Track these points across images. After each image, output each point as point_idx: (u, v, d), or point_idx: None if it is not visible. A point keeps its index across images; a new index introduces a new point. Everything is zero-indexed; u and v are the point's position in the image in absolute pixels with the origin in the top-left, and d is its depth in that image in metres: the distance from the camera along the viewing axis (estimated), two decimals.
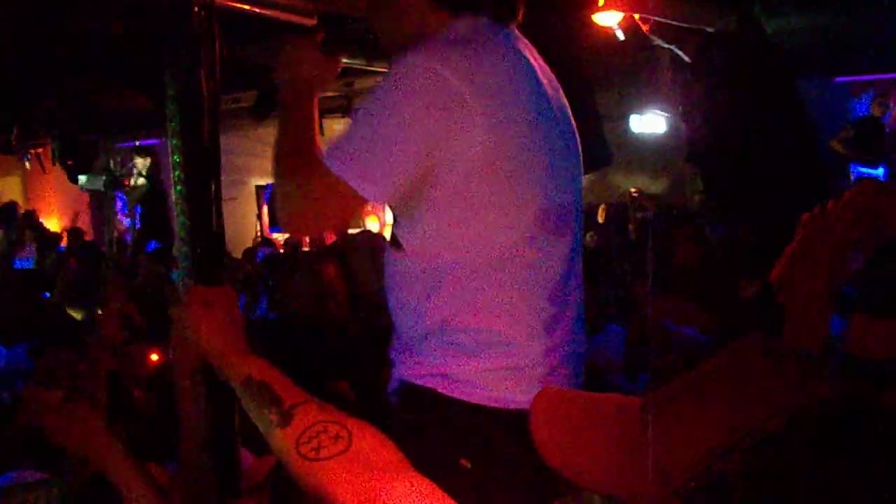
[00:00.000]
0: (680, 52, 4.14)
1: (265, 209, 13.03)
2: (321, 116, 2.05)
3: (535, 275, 1.88)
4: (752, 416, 1.05)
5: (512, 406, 1.84)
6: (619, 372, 4.49)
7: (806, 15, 7.95)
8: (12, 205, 11.59)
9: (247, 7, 4.61)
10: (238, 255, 9.61)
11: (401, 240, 1.91)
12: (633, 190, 10.09)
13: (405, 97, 1.75)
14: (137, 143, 11.22)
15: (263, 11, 4.70)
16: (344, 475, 1.24)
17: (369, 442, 1.29)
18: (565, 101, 2.04)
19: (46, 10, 4.27)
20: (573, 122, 2.05)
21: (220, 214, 2.01)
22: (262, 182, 12.58)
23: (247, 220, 12.76)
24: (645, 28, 4.11)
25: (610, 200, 10.06)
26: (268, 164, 2.02)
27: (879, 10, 8.06)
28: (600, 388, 2.14)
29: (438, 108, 1.72)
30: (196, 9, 3.65)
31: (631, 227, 9.53)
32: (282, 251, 9.83)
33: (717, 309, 4.32)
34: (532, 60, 1.94)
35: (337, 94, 8.37)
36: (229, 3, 4.55)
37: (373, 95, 1.81)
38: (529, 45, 1.98)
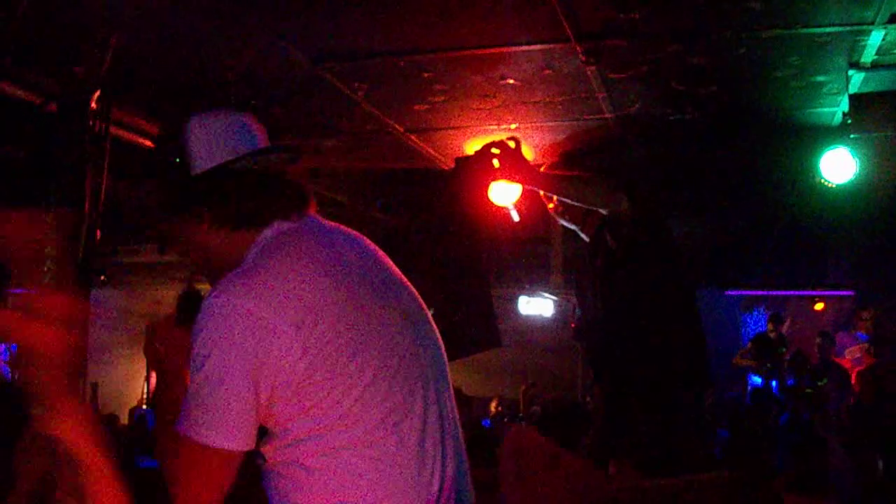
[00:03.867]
0: (581, 234, 4.21)
1: (154, 373, 12.67)
2: None
3: (392, 457, 1.85)
4: None
5: None
6: None
7: (695, 223, 8.30)
8: None
9: (137, 139, 4.65)
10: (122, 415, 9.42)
11: (266, 456, 1.89)
12: (523, 386, 10.14)
13: (222, 340, 1.77)
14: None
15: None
16: None
17: None
18: (387, 266, 2.06)
19: None
20: (400, 281, 2.05)
21: None
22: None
23: (134, 382, 12.44)
24: (550, 206, 4.18)
25: (503, 392, 10.08)
26: None
27: (767, 228, 8.47)
28: None
29: (254, 341, 1.75)
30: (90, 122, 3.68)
31: (524, 423, 9.54)
32: None
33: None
34: (337, 240, 1.99)
35: None
36: (123, 133, 4.60)
37: (195, 345, 1.81)
38: (327, 225, 2.04)
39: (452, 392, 2.04)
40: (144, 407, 11.64)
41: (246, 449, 1.77)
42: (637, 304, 3.95)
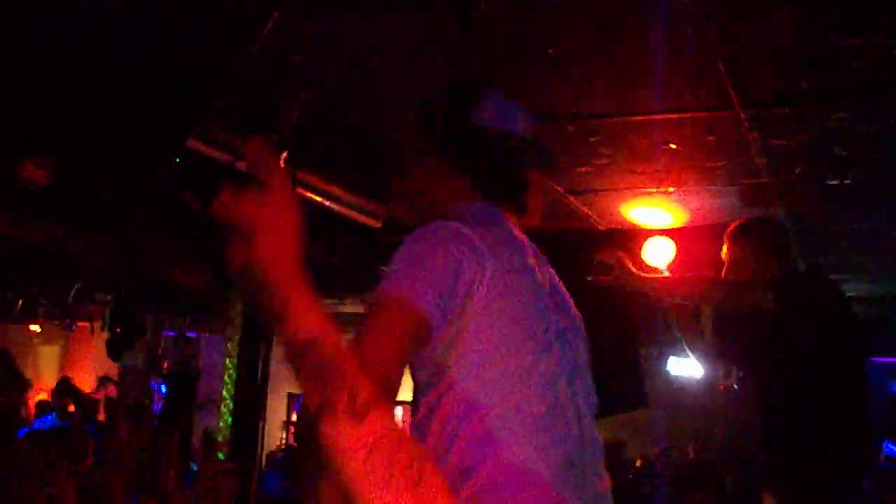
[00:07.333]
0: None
1: (293, 416, 13.13)
2: None
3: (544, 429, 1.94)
4: None
5: None
6: None
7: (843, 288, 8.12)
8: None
9: (317, 198, 4.91)
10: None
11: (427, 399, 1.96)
12: (657, 450, 10.12)
13: (434, 236, 1.92)
14: (182, 333, 11.42)
15: (333, 206, 4.99)
16: None
17: (438, 485, 1.18)
18: (554, 278, 2.17)
19: (127, 169, 4.54)
20: (564, 293, 2.17)
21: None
22: (295, 391, 12.72)
23: (273, 427, 12.79)
24: (722, 274, 4.24)
25: (646, 450, 10.08)
26: None
27: None
28: None
29: (461, 245, 1.89)
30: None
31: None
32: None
33: None
34: (523, 243, 2.13)
35: None
36: (303, 192, 4.86)
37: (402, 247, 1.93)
38: (523, 241, 2.15)
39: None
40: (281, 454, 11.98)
41: (433, 321, 1.80)
42: (793, 378, 3.93)
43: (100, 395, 11.27)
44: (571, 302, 2.18)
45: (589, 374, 2.14)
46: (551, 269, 2.18)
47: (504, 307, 1.92)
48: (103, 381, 11.77)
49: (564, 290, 2.18)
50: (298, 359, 1.24)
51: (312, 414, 1.22)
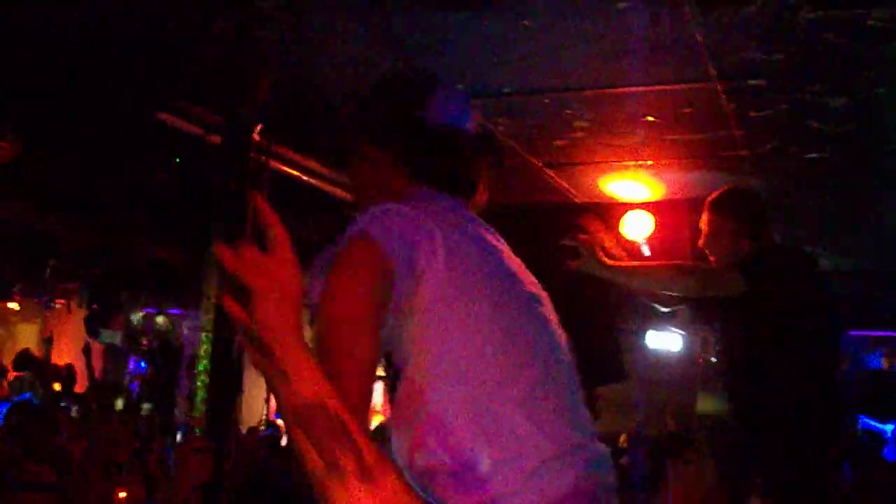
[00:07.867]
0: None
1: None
2: None
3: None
4: None
5: None
6: None
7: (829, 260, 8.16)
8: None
9: (293, 172, 4.88)
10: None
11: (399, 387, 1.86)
12: (630, 427, 10.16)
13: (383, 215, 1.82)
14: (161, 310, 11.38)
15: (309, 179, 4.97)
16: None
17: None
18: (520, 267, 2.05)
19: (105, 156, 4.51)
20: (535, 286, 2.04)
21: None
22: None
23: (255, 403, 12.78)
24: (700, 243, 4.22)
25: (631, 425, 10.09)
26: None
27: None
28: None
29: (412, 228, 1.79)
30: (252, 154, 3.90)
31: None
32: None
33: None
34: (483, 231, 2.02)
35: None
36: (282, 167, 4.83)
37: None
38: (478, 218, 2.07)
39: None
40: (262, 429, 11.99)
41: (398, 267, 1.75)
42: (762, 352, 3.94)
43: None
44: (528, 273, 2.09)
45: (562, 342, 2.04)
46: (506, 245, 2.07)
47: (467, 280, 1.83)
48: (47, 341, 11.63)
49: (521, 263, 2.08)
50: (300, 422, 1.23)
51: (315, 476, 1.22)
